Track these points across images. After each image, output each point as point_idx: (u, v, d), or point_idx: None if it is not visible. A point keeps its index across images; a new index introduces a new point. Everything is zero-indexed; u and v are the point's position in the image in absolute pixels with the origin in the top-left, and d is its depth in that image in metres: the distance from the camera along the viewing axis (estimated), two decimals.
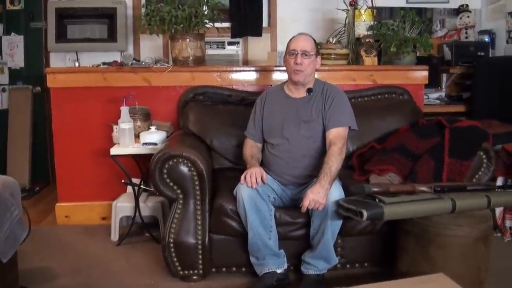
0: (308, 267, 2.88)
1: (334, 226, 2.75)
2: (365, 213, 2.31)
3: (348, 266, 3.04)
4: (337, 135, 2.88)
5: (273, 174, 2.99)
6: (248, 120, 3.19)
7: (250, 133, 3.16)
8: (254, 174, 2.79)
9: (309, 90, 3.01)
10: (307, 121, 2.97)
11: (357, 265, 3.05)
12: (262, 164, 3.07)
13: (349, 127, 2.97)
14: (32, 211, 4.09)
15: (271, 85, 3.90)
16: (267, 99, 3.14)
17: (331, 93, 3.00)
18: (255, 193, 2.77)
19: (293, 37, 3.03)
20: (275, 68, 4.02)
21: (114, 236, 3.62)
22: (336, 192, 2.70)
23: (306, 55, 2.92)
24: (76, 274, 3.09)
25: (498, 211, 3.63)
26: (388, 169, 3.02)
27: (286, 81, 3.15)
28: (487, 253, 2.60)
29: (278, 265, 2.85)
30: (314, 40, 3.04)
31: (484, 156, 3.04)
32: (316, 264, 2.86)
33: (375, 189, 2.46)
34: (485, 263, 2.59)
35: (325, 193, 2.63)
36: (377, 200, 2.41)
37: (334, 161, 2.74)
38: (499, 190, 2.86)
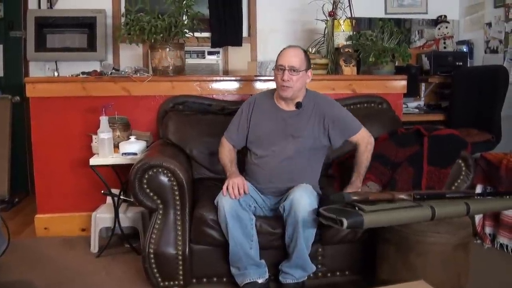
0: (285, 276, 2.87)
1: (307, 235, 2.73)
2: (345, 222, 2.30)
3: (329, 274, 3.04)
4: (358, 138, 3.02)
5: (255, 183, 2.98)
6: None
7: (230, 137, 3.10)
8: (236, 185, 2.79)
9: (298, 105, 2.95)
10: (296, 137, 2.92)
11: (338, 273, 3.05)
12: (245, 172, 3.06)
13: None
14: (11, 223, 4.04)
15: (251, 95, 3.90)
16: (255, 107, 3.06)
17: (324, 109, 2.97)
18: (236, 203, 2.77)
19: (283, 49, 2.94)
20: (255, 78, 4.02)
21: (94, 247, 3.59)
22: (306, 201, 2.68)
23: (294, 71, 2.83)
24: (56, 287, 3.05)
25: (478, 218, 3.67)
26: (368, 177, 3.03)
27: (275, 89, 3.03)
28: (467, 260, 2.62)
29: (259, 275, 2.84)
30: (306, 53, 2.96)
31: (463, 164, 3.06)
32: (293, 273, 2.85)
33: (355, 198, 2.46)
34: (465, 270, 2.61)
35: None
36: (357, 208, 2.40)
37: (363, 159, 2.99)
38: (478, 197, 2.89)
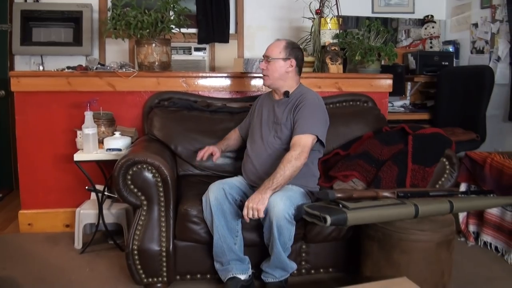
0: (266, 275, 2.87)
1: (283, 238, 2.69)
2: (328, 219, 2.31)
3: (312, 271, 3.04)
4: (298, 141, 2.80)
5: (245, 176, 3.03)
6: (214, 126, 3.30)
7: (240, 126, 3.36)
8: (206, 149, 3.08)
9: (285, 94, 3.01)
10: (276, 123, 2.98)
11: (321, 270, 3.06)
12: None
13: (317, 139, 2.88)
14: None
15: (237, 91, 3.92)
16: (259, 102, 3.24)
17: (303, 100, 2.92)
18: (222, 196, 2.78)
19: None
20: (242, 75, 4.01)
21: (78, 243, 3.56)
22: (281, 206, 2.62)
23: (268, 60, 2.95)
24: (39, 283, 3.03)
25: (462, 216, 3.70)
26: (352, 175, 3.03)
27: None
28: (450, 258, 2.63)
29: (242, 271, 2.84)
30: (291, 44, 2.99)
31: (447, 163, 3.08)
32: (273, 273, 2.85)
33: (339, 195, 2.47)
34: (448, 267, 2.63)
35: (263, 199, 2.58)
36: (340, 205, 2.41)
37: (284, 168, 2.68)
38: (462, 195, 2.91)
